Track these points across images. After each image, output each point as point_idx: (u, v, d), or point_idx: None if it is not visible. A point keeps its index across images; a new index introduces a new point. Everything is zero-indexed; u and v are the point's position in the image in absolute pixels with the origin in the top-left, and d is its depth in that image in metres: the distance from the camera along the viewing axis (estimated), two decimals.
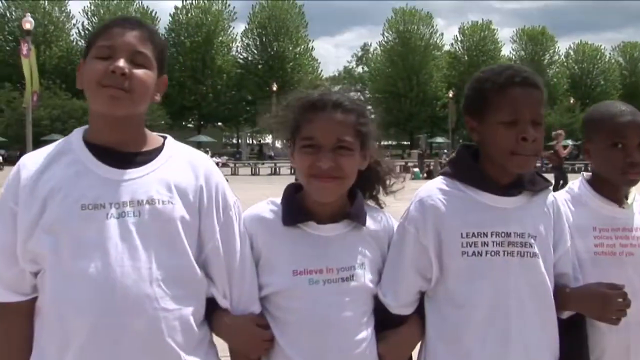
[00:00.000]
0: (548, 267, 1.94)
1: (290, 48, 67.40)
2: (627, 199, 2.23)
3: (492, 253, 1.87)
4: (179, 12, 66.52)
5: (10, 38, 57.73)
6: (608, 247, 2.13)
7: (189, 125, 67.61)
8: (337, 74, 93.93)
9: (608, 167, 2.17)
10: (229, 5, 68.80)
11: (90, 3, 63.37)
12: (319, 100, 1.89)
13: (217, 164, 34.83)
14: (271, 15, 66.87)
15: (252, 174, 37.00)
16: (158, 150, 1.82)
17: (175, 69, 62.12)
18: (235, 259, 1.86)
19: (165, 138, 1.89)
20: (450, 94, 57.17)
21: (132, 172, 1.74)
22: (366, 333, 1.90)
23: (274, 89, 56.94)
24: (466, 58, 72.50)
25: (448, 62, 71.86)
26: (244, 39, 68.88)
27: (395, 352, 1.96)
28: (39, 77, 26.87)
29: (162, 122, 55.78)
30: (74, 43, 64.93)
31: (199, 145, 52.84)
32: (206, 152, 38.73)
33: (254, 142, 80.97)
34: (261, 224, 1.93)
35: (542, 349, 1.92)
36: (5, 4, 58.23)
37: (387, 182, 2.08)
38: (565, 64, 78.22)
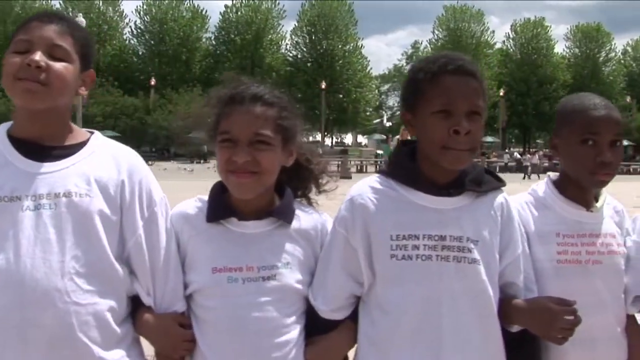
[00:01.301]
0: (491, 275, 1.79)
1: (340, 46, 67.12)
2: (597, 201, 2.04)
3: (424, 257, 1.74)
4: (229, 10, 67.24)
5: None
6: (573, 254, 1.96)
7: None
8: (387, 72, 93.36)
9: (577, 165, 1.98)
10: (279, 3, 69.22)
11: (142, 2, 64.73)
12: (237, 94, 1.84)
13: None
14: (320, 13, 66.79)
15: None
16: (82, 144, 1.81)
17: (225, 67, 62.79)
18: (159, 256, 1.82)
19: (92, 133, 1.87)
20: (501, 93, 56.17)
21: (51, 165, 1.73)
22: (291, 336, 1.82)
23: (323, 86, 57.04)
24: (518, 56, 71.02)
25: (499, 60, 70.39)
26: (293, 37, 69.08)
27: (323, 358, 1.87)
28: None
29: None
30: (127, 42, 66.77)
31: None
32: None
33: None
34: (186, 221, 1.89)
35: None
36: (63, 5, 59.82)
37: (320, 181, 2.01)
38: (622, 61, 75.66)
